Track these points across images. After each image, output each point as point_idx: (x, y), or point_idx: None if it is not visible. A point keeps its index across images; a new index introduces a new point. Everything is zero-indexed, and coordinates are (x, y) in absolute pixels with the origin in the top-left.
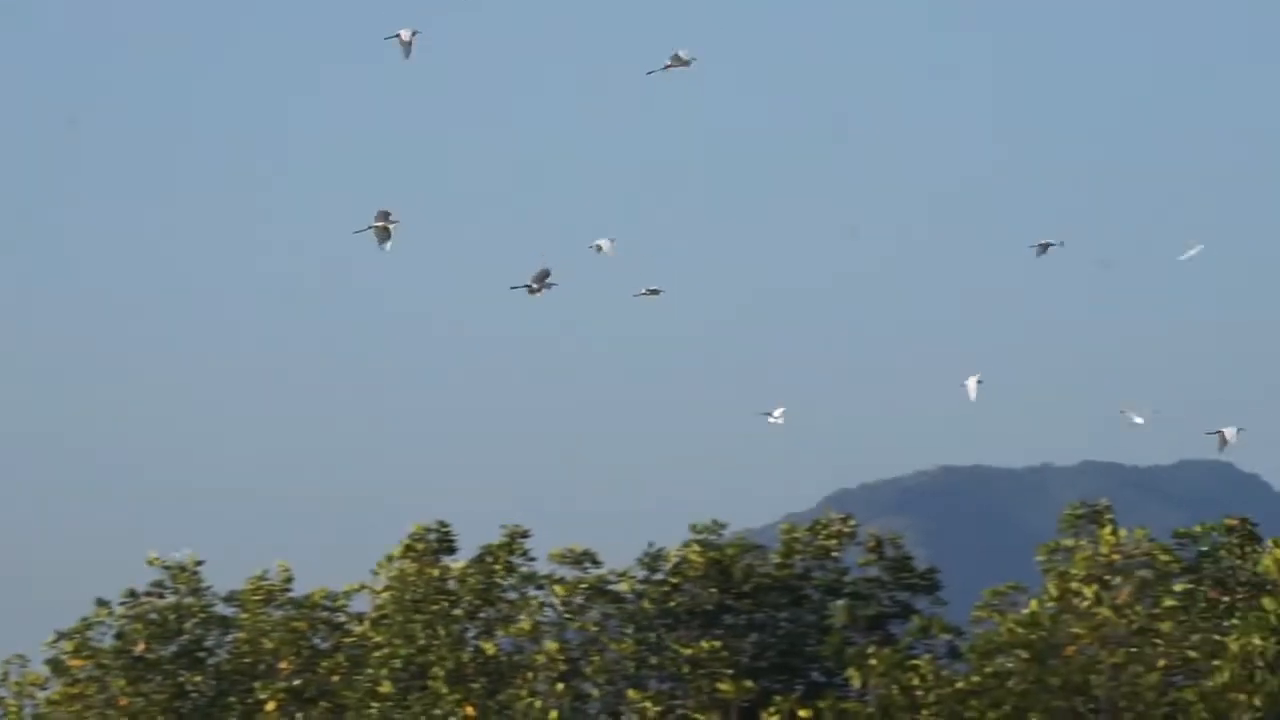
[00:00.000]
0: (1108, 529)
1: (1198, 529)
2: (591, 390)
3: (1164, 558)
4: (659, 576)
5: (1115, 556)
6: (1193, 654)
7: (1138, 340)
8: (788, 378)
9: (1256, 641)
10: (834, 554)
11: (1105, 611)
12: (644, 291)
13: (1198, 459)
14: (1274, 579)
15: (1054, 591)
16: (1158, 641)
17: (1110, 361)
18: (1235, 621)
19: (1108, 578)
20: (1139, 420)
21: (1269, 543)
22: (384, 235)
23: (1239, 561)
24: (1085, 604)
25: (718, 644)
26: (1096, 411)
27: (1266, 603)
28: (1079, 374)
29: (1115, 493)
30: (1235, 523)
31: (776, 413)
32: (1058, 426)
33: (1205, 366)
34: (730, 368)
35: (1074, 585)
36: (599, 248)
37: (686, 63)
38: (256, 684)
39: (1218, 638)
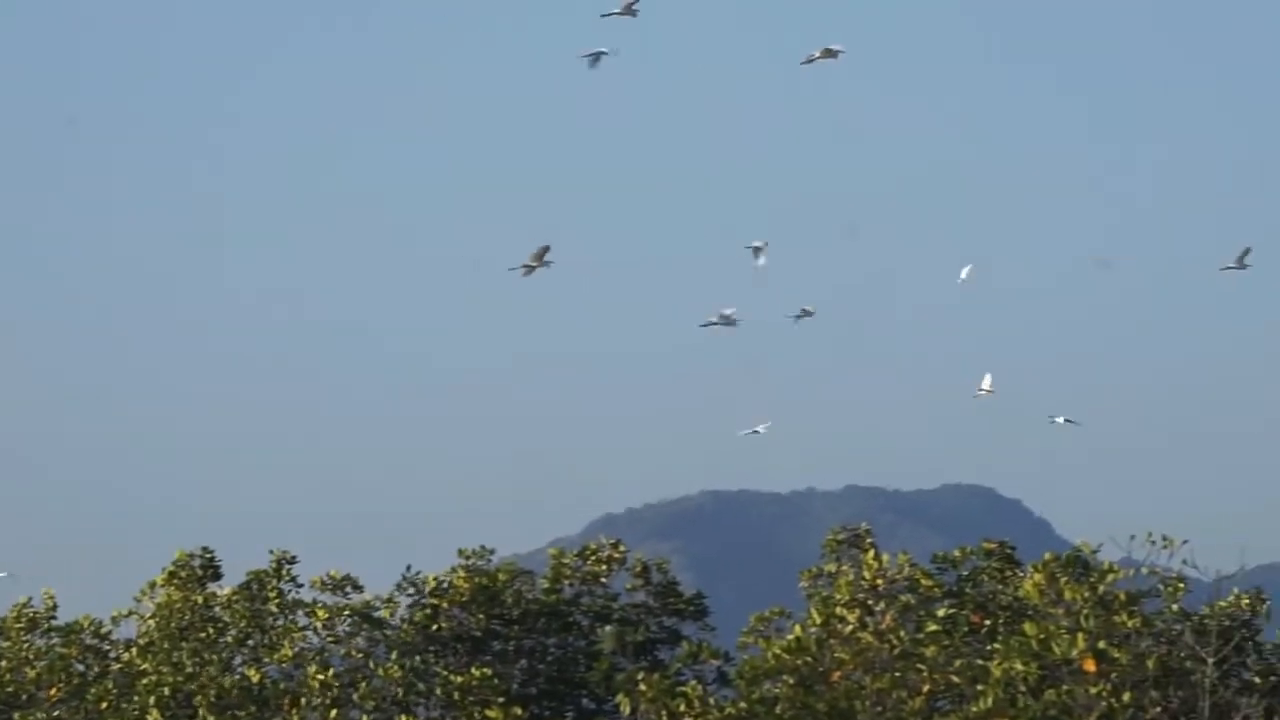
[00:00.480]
0: (870, 553)
1: (958, 553)
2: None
3: (926, 582)
4: (424, 602)
5: (878, 581)
6: (956, 679)
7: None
8: (553, 411)
9: (1018, 666)
10: (603, 580)
11: (868, 637)
12: (799, 313)
13: (959, 483)
14: (1035, 603)
15: (817, 617)
16: (921, 667)
17: (866, 389)
18: (997, 646)
19: (871, 602)
20: (1061, 420)
21: (1029, 567)
22: (533, 268)
23: (1000, 586)
24: (849, 629)
25: (488, 670)
26: (860, 436)
27: (1028, 627)
28: (838, 401)
29: (878, 516)
30: (994, 546)
31: (761, 428)
32: (822, 450)
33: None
34: (502, 399)
35: (837, 610)
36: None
37: (835, 54)
38: (17, 714)
39: (980, 662)
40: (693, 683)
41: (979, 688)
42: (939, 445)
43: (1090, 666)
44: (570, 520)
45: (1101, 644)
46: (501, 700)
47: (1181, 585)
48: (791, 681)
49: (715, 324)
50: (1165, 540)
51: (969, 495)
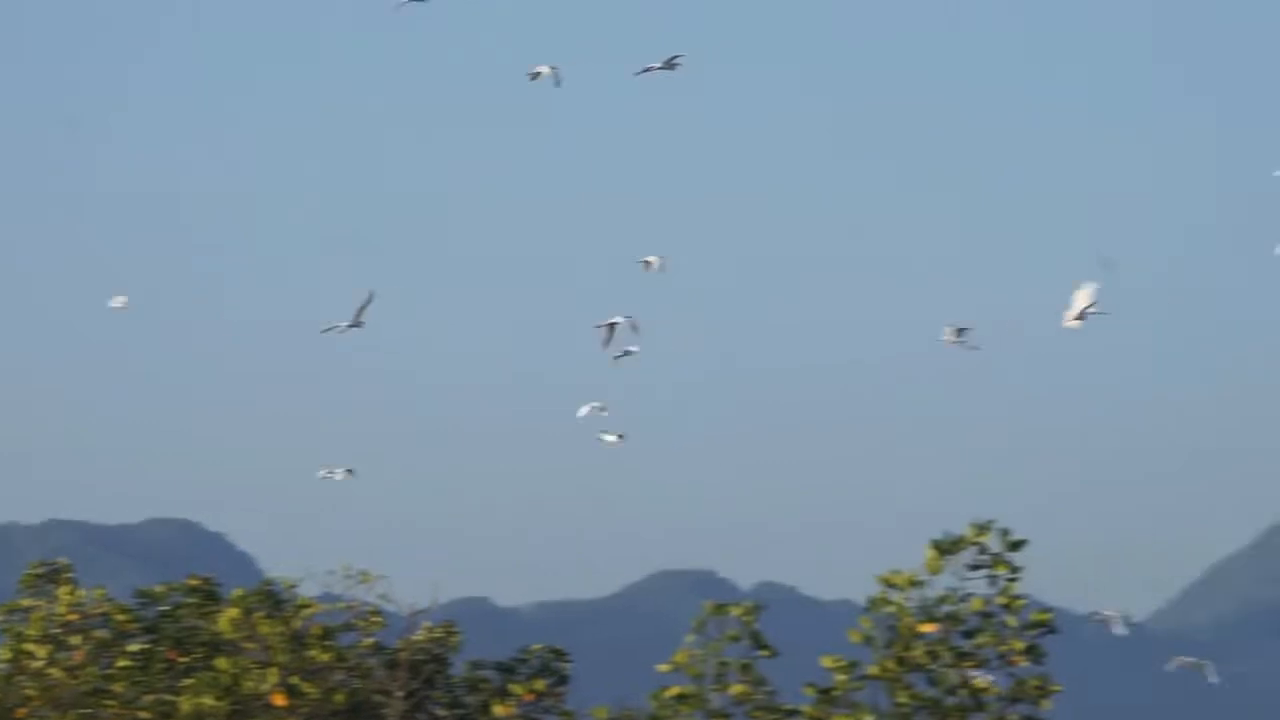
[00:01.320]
0: (66, 588)
1: (159, 588)
2: None
3: (121, 617)
4: None
5: (73, 616)
6: (145, 714)
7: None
8: None
9: (208, 701)
10: None
11: (57, 672)
12: (621, 354)
13: (165, 517)
14: (229, 637)
15: (8, 653)
16: (110, 702)
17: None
18: (189, 681)
19: (65, 637)
20: (611, 439)
21: (227, 602)
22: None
23: (200, 621)
24: (38, 665)
25: None
26: (60, 468)
27: (220, 662)
28: (90, 430)
29: (82, 550)
30: (198, 582)
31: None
32: (21, 483)
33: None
34: None
35: (28, 646)
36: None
37: (674, 65)
38: None
39: (170, 698)
40: None
41: None
42: (141, 479)
43: (280, 701)
44: None
45: (293, 679)
46: None
47: (378, 619)
48: None
49: (609, 325)
50: (363, 575)
51: (173, 529)
